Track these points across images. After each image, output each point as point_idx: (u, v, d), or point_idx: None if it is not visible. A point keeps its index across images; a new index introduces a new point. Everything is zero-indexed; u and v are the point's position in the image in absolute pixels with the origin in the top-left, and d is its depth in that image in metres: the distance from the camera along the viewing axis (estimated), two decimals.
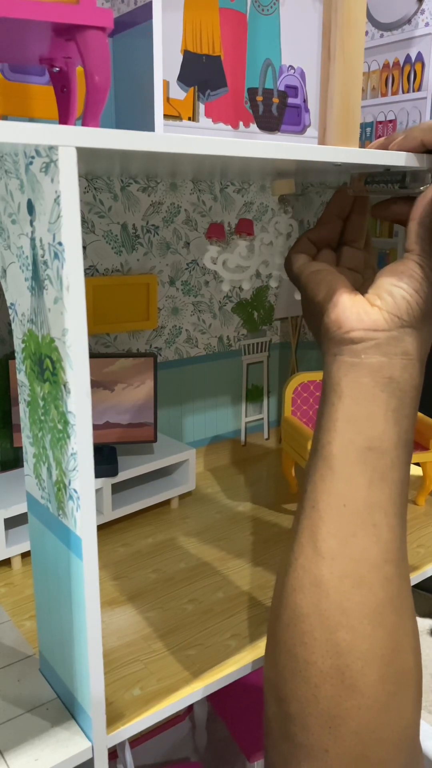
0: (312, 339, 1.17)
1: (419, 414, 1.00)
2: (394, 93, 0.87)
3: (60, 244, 0.42)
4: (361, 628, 0.42)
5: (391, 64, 0.87)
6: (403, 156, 0.50)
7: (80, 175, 0.88)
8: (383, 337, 0.46)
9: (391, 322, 0.46)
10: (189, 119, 0.74)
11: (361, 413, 0.45)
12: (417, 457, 0.95)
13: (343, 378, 0.46)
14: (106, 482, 0.86)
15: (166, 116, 0.72)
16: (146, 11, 0.64)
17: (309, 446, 0.88)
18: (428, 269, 0.47)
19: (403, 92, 0.85)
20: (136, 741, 1.17)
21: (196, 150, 0.42)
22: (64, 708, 0.56)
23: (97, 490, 0.85)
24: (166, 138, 0.42)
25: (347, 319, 0.47)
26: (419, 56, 0.83)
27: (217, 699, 1.04)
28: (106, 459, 0.88)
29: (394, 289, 0.47)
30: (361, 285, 0.57)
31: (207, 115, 0.76)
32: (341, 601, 0.42)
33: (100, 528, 0.89)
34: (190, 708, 1.18)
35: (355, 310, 0.47)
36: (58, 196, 0.41)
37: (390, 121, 0.88)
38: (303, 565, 0.45)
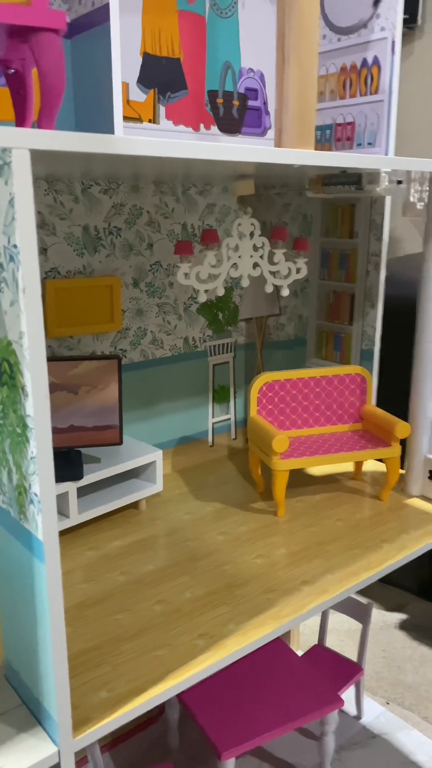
0: (277, 339, 1.18)
1: (381, 411, 1.02)
2: (353, 96, 0.88)
3: (15, 246, 0.41)
4: None
5: (348, 68, 0.88)
6: (357, 158, 0.52)
7: (41, 178, 0.88)
8: None
9: None
10: (149, 121, 0.74)
11: None
12: (380, 453, 0.96)
13: None
14: (72, 486, 0.85)
15: (126, 118, 0.72)
16: (104, 13, 0.64)
17: (273, 445, 0.89)
18: None
19: (361, 95, 0.87)
20: (109, 744, 1.17)
21: (150, 152, 0.43)
22: (30, 714, 0.56)
23: (62, 494, 0.85)
24: (121, 140, 0.42)
25: None
26: (375, 60, 0.84)
27: (188, 699, 1.04)
28: (71, 463, 0.88)
29: None
30: None
31: (168, 117, 0.76)
32: None
33: (67, 532, 0.88)
34: (162, 710, 1.18)
35: None
36: (12, 199, 0.40)
37: (348, 123, 0.89)
38: None
